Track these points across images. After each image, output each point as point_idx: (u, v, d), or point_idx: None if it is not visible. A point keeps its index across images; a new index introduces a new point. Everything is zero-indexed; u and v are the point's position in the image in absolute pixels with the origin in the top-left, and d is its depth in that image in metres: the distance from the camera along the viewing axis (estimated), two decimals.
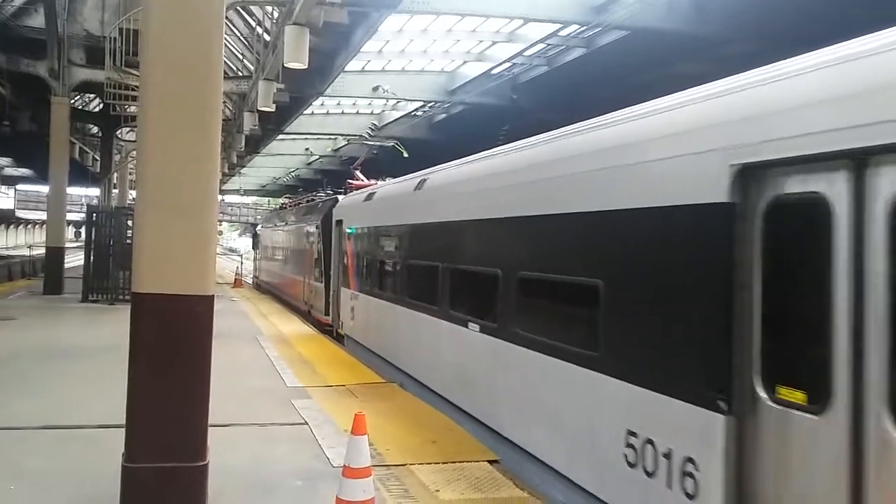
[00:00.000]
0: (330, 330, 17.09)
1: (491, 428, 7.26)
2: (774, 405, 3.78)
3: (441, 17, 20.45)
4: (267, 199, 77.93)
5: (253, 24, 20.96)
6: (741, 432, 3.93)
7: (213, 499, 5.21)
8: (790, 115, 3.79)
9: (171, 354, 5.05)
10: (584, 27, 18.67)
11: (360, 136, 26.22)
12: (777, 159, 3.80)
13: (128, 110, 22.54)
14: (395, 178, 14.39)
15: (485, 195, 7.88)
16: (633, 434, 4.81)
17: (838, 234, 3.49)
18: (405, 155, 21.84)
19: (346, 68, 22.54)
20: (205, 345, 5.16)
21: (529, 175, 6.80)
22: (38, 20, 21.99)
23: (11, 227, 78.00)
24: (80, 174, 37.59)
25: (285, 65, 14.34)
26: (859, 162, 3.40)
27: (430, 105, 29.21)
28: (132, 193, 31.43)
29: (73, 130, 29.41)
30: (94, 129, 34.31)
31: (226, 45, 22.80)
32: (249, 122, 23.38)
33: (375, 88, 25.52)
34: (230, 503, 5.52)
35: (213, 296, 5.27)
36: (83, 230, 27.40)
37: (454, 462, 6.69)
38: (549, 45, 20.90)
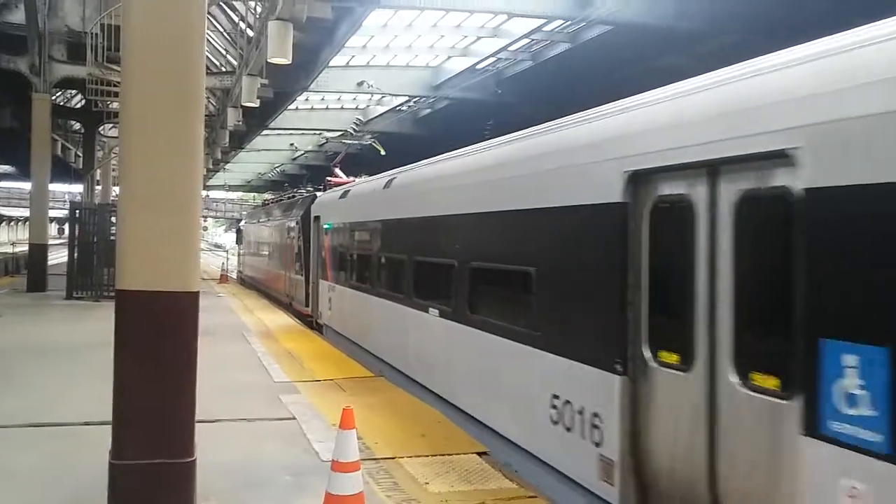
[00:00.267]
0: (310, 320, 17.68)
1: (448, 401, 8.26)
2: (657, 366, 4.70)
3: (426, 13, 20.46)
4: (252, 194, 77.60)
5: (236, 19, 20.84)
6: (634, 389, 4.86)
7: (201, 495, 5.21)
8: (666, 132, 4.67)
9: (157, 351, 5.02)
10: (569, 22, 18.74)
11: (345, 131, 26.15)
12: (657, 167, 4.69)
13: (110, 106, 22.30)
14: (372, 175, 14.78)
15: (442, 193, 8.83)
16: (556, 397, 5.79)
17: (699, 229, 4.34)
18: (382, 153, 22.00)
19: (331, 63, 22.50)
20: (191, 341, 5.14)
21: (477, 177, 7.84)
22: (18, 16, 21.72)
23: None
24: (62, 171, 37.26)
25: (269, 60, 14.29)
26: (712, 170, 4.25)
27: (415, 100, 29.19)
28: (115, 190, 31.15)
29: (56, 127, 29.11)
30: (77, 126, 33.96)
31: (209, 40, 22.71)
32: (233, 118, 23.26)
33: (360, 84, 25.47)
34: (219, 499, 5.51)
35: (198, 292, 5.24)
36: (66, 227, 27.15)
37: (443, 455, 6.73)
38: (533, 39, 20.96)
